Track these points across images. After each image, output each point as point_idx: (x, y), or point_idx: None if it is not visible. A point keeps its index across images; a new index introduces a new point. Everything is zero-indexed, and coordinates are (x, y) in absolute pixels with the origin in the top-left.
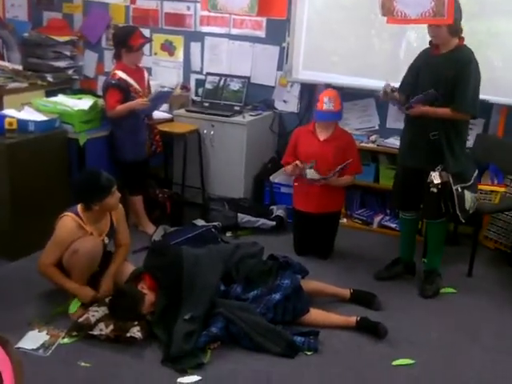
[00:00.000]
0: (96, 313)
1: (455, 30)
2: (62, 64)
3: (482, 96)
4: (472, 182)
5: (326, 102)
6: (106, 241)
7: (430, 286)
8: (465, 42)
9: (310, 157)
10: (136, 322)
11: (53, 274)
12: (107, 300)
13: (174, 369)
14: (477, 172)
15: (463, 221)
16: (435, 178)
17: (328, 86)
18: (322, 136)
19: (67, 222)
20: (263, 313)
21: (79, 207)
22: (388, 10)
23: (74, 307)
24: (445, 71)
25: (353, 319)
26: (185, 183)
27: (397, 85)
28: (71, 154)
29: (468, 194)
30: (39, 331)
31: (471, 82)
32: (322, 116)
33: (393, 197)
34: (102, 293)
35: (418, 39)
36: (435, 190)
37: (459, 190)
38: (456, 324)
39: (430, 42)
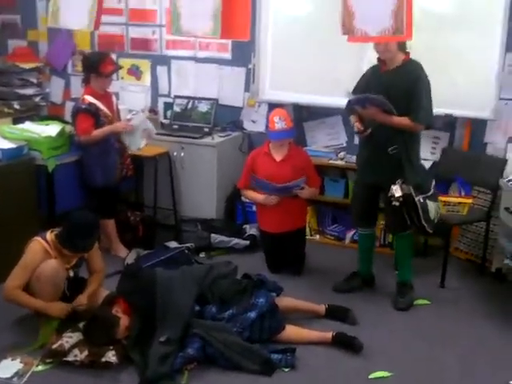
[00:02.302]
0: (70, 339)
1: (402, 44)
2: (28, 91)
3: (445, 110)
4: (432, 191)
5: (277, 122)
6: (71, 274)
7: (403, 298)
8: (426, 56)
9: (269, 178)
10: (111, 347)
11: (18, 295)
12: (81, 325)
13: None
14: (434, 181)
15: (430, 231)
16: (396, 191)
17: (295, 105)
18: (277, 156)
19: (34, 245)
20: (239, 332)
21: (49, 233)
22: (348, 29)
23: (45, 338)
24: (396, 86)
25: (328, 335)
26: (156, 205)
27: None
28: (40, 181)
29: (431, 204)
30: (12, 359)
31: (424, 94)
32: (276, 135)
33: (352, 214)
34: (76, 303)
35: None
36: (397, 203)
37: (421, 200)
38: (430, 335)
39: (379, 59)
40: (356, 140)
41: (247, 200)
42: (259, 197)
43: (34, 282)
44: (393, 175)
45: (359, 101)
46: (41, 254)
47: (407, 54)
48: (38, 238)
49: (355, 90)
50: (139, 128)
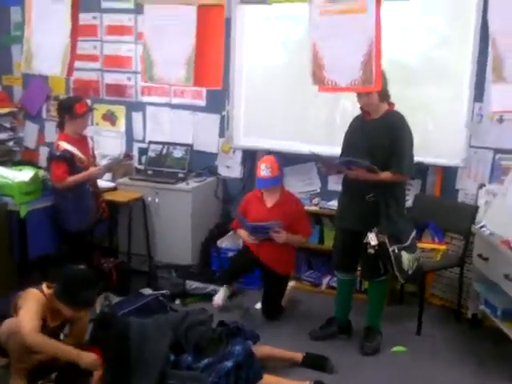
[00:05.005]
0: None
1: (384, 95)
2: (2, 136)
3: (417, 158)
4: (409, 242)
5: (263, 169)
6: (61, 336)
7: (371, 343)
8: (396, 107)
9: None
10: None
11: (44, 338)
12: (53, 376)
13: None
14: (414, 232)
15: (402, 281)
16: (372, 239)
17: (268, 152)
18: (269, 202)
19: (35, 295)
20: (215, 382)
21: (45, 286)
22: (319, 79)
23: None
24: (379, 137)
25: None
26: (131, 251)
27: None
28: (12, 227)
29: (405, 255)
30: None
31: (406, 146)
32: (261, 183)
33: (332, 258)
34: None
35: (352, 104)
36: (372, 251)
37: (396, 250)
38: (408, 382)
39: (362, 109)
40: (330, 186)
41: (222, 245)
42: (243, 234)
43: (7, 337)
44: (369, 222)
45: (344, 163)
46: (42, 304)
47: (391, 104)
48: (35, 290)
49: (342, 152)
50: (111, 167)
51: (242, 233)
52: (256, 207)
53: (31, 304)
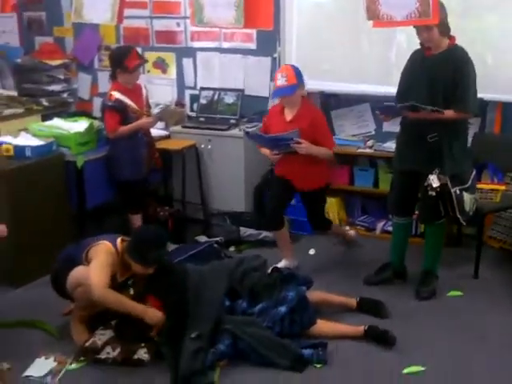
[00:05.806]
0: (102, 336)
1: (445, 29)
2: (56, 88)
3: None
4: (470, 183)
5: (279, 79)
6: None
7: (427, 287)
8: (456, 41)
9: None
10: (143, 344)
11: (112, 293)
12: (113, 323)
13: None
14: (474, 173)
15: (464, 223)
16: (434, 181)
17: (321, 93)
18: (288, 116)
19: (107, 248)
20: (270, 326)
21: (119, 240)
22: (373, 14)
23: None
24: (442, 72)
25: (361, 328)
26: (185, 199)
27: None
28: (69, 177)
29: (467, 196)
30: (46, 358)
31: (470, 82)
32: (276, 92)
33: (388, 202)
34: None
35: (408, 41)
36: (434, 193)
37: (458, 192)
38: (464, 327)
39: (421, 44)
40: (385, 127)
41: None
42: (266, 151)
43: (73, 288)
44: (431, 164)
45: (407, 108)
46: (113, 258)
47: (452, 38)
48: (108, 243)
49: (399, 90)
50: (164, 116)
51: (265, 151)
52: (276, 121)
53: (103, 257)
